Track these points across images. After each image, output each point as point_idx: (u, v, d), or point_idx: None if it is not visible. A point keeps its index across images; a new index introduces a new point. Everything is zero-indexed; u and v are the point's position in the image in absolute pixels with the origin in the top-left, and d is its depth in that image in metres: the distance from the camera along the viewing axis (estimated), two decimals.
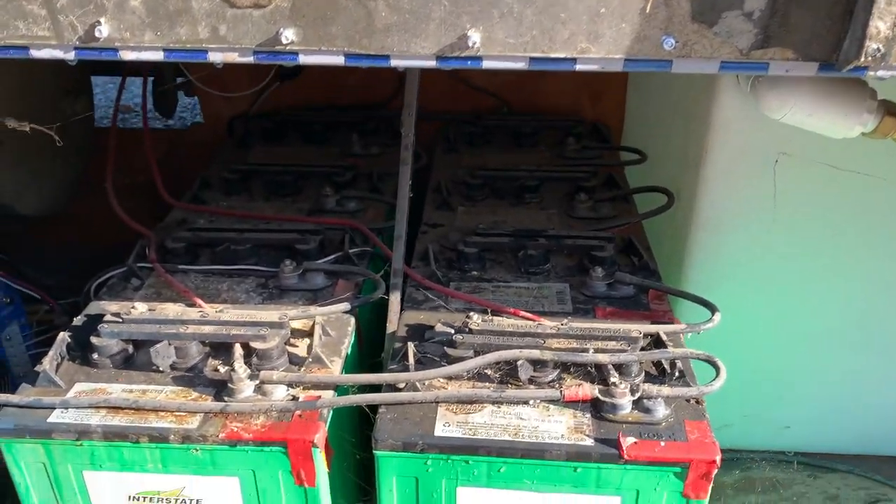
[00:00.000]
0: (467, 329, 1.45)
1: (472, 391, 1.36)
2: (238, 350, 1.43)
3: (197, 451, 1.31)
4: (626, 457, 1.24)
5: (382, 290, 1.61)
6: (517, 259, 1.78)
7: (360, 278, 1.72)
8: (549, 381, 1.38)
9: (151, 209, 2.06)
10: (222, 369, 1.42)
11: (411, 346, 1.44)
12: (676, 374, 1.39)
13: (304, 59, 1.18)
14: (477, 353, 1.41)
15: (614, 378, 1.34)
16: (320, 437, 1.30)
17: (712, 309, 1.52)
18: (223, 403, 1.34)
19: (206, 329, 1.46)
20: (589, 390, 1.33)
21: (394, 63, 1.18)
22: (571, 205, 2.02)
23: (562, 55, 1.14)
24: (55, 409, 1.35)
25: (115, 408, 1.35)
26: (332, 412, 1.36)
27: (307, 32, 1.15)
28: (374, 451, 1.30)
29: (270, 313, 1.50)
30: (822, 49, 1.10)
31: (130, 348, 1.47)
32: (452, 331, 1.46)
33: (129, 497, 1.38)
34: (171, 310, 1.53)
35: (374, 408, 1.36)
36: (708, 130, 1.92)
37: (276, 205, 2.08)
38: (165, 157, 2.45)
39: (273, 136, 2.55)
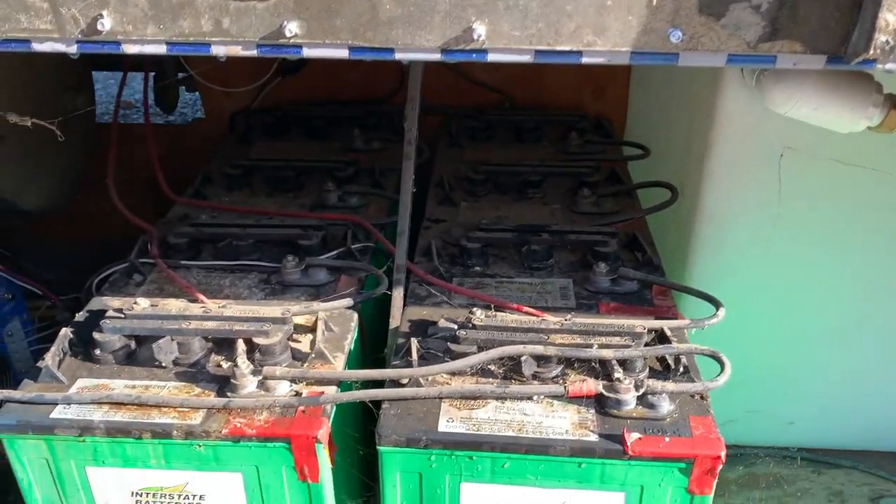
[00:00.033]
0: (470, 325, 1.44)
1: (475, 387, 1.36)
2: (241, 346, 1.42)
3: (200, 446, 1.31)
4: (630, 452, 1.24)
5: (385, 285, 1.60)
6: (520, 254, 1.77)
7: (363, 274, 1.71)
8: (553, 377, 1.38)
9: (153, 205, 2.06)
10: (225, 365, 1.41)
11: (414, 342, 1.44)
12: (681, 369, 1.39)
13: (307, 53, 1.17)
14: (480, 349, 1.41)
15: (618, 374, 1.33)
16: (324, 432, 1.29)
17: (716, 304, 1.51)
18: (226, 399, 1.34)
19: (209, 325, 1.46)
20: (593, 386, 1.33)
21: (398, 56, 1.17)
22: (574, 200, 2.01)
23: (568, 48, 1.13)
24: (58, 404, 1.35)
25: (117, 404, 1.34)
26: (335, 408, 1.36)
27: (311, 25, 1.14)
28: (378, 447, 1.30)
29: (273, 309, 1.50)
30: (831, 42, 1.09)
31: (133, 344, 1.47)
32: (456, 326, 1.46)
33: (132, 493, 1.38)
34: (174, 305, 1.53)
35: (377, 403, 1.35)
36: (712, 125, 1.92)
37: (278, 200, 2.08)
38: (167, 152, 2.44)
39: (275, 132, 2.55)
